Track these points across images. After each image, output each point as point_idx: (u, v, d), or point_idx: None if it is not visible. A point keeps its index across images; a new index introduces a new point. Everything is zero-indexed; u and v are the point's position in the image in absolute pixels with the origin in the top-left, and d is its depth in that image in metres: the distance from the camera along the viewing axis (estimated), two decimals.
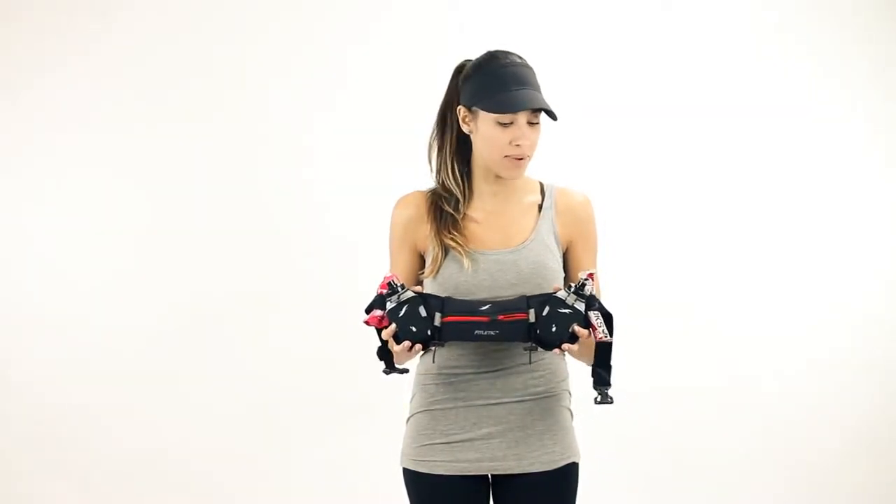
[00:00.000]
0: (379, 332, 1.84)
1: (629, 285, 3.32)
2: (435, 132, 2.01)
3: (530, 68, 1.92)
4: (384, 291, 1.81)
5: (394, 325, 1.80)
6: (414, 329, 1.79)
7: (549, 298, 1.80)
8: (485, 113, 1.89)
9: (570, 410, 1.99)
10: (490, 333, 1.79)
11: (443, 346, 1.84)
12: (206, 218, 3.53)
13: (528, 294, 1.86)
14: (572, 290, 1.78)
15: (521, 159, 1.89)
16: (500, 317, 1.78)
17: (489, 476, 1.96)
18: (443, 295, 1.88)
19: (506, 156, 1.89)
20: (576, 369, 2.00)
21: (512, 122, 1.87)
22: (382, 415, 2.90)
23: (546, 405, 1.94)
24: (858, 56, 3.58)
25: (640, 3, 3.57)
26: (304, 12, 3.55)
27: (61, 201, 3.56)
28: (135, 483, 3.49)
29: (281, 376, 3.49)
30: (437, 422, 1.94)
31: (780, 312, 3.53)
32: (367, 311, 1.83)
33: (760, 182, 3.55)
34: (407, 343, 1.80)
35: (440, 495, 1.93)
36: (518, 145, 1.87)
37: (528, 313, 1.79)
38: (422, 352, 1.84)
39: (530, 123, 1.88)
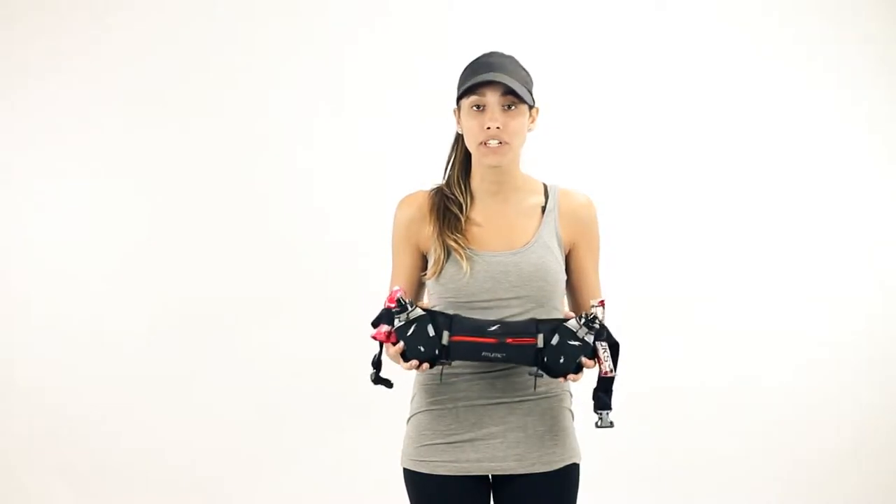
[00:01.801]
0: (381, 345, 1.84)
1: (630, 286, 3.32)
2: (452, 143, 2.02)
3: (515, 61, 1.93)
4: (392, 306, 1.80)
5: (402, 343, 1.80)
6: (422, 349, 1.79)
7: (560, 327, 1.79)
8: (463, 103, 1.90)
9: (570, 411, 1.99)
10: (497, 356, 1.79)
11: (450, 364, 1.83)
12: (206, 219, 3.53)
13: (532, 297, 1.87)
14: (583, 321, 1.78)
15: (496, 145, 1.88)
16: (509, 340, 1.78)
17: (490, 476, 1.96)
18: (445, 297, 1.89)
19: (480, 142, 1.88)
20: None
21: (484, 108, 1.87)
22: (382, 415, 2.90)
23: (547, 406, 1.94)
24: (858, 56, 3.57)
25: (640, 2, 3.57)
26: (303, 13, 3.54)
27: (62, 202, 3.55)
28: (135, 483, 3.49)
29: (281, 377, 3.49)
30: (438, 422, 1.94)
31: (780, 312, 3.53)
32: (374, 324, 1.83)
33: (760, 182, 3.55)
34: (415, 362, 1.80)
35: (441, 495, 1.93)
36: (488, 128, 1.86)
37: (536, 338, 1.79)
38: (429, 369, 1.84)
39: (506, 109, 1.87)
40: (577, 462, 1.97)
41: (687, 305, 3.50)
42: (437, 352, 1.79)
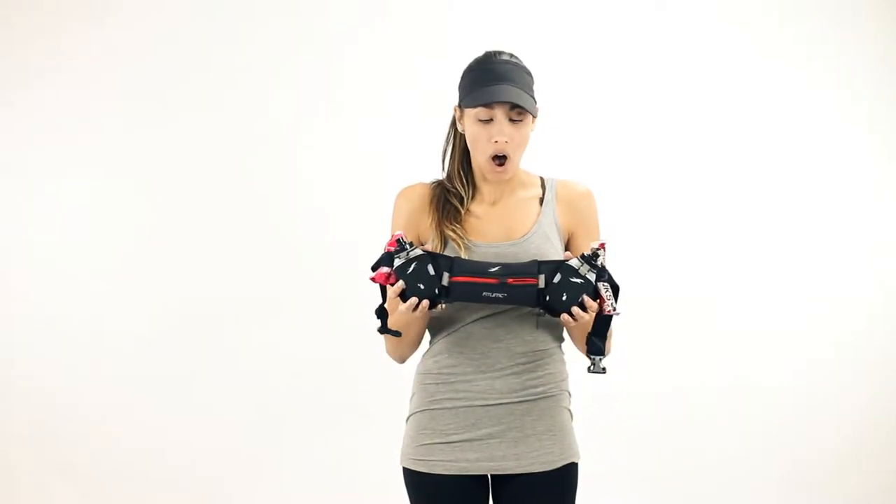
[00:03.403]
0: (384, 289, 1.83)
1: (629, 285, 3.31)
2: (448, 133, 2.02)
3: (519, 66, 1.91)
4: (392, 249, 1.79)
5: (401, 282, 1.79)
6: (421, 286, 1.78)
7: (561, 266, 1.79)
8: (468, 110, 1.90)
9: (569, 411, 1.99)
10: (498, 296, 1.78)
11: (450, 303, 1.83)
12: (206, 219, 3.53)
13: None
14: (585, 259, 1.78)
15: (503, 162, 1.88)
16: (510, 280, 1.77)
17: (489, 476, 1.96)
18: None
19: (489, 157, 1.88)
20: (576, 371, 2.00)
21: (491, 119, 1.87)
22: (382, 414, 2.90)
23: (545, 406, 1.94)
24: (858, 56, 3.57)
25: (640, 2, 3.57)
26: (303, 13, 3.54)
27: (62, 202, 3.55)
28: (134, 483, 3.49)
29: (281, 377, 3.49)
30: (437, 421, 1.94)
31: (780, 312, 3.53)
32: (374, 268, 1.82)
33: (760, 182, 3.55)
34: (413, 300, 1.79)
35: (440, 495, 1.93)
36: (496, 142, 1.87)
37: (538, 278, 1.78)
38: (429, 309, 1.82)
39: (513, 121, 1.87)
40: (576, 461, 1.97)
41: (687, 305, 3.50)
42: (436, 291, 1.79)
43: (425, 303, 1.80)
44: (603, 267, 1.79)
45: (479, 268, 1.79)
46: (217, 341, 3.51)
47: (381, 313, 1.85)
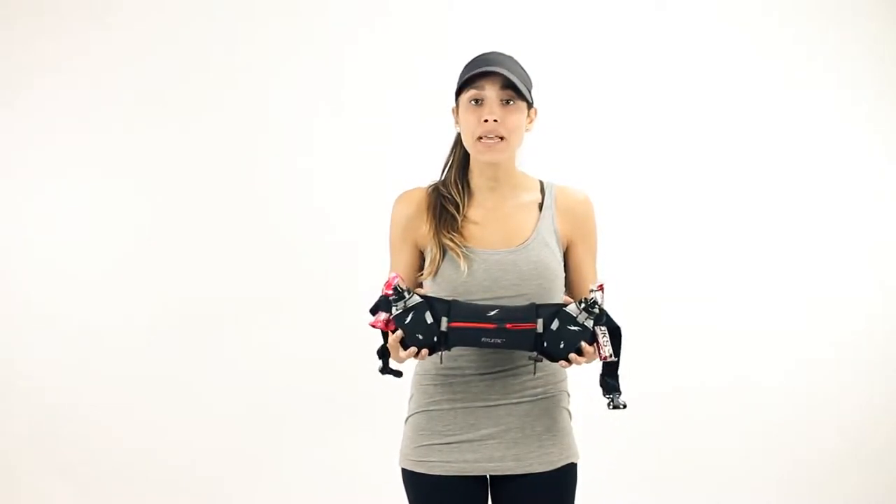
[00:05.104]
0: (384, 334, 1.84)
1: (629, 286, 3.32)
2: (450, 148, 2.02)
3: (515, 60, 1.93)
4: (389, 293, 1.79)
5: (400, 332, 1.79)
6: (420, 336, 1.79)
7: (560, 312, 1.78)
8: (461, 98, 1.90)
9: (568, 411, 2.00)
10: (497, 341, 1.77)
11: (449, 350, 1.83)
12: (206, 219, 3.53)
13: (531, 295, 1.87)
14: (583, 306, 1.77)
15: (492, 140, 1.87)
16: (508, 325, 1.77)
17: (488, 477, 1.96)
18: (443, 295, 1.87)
19: (478, 137, 1.88)
20: (575, 370, 2.00)
21: (482, 102, 1.87)
22: (382, 415, 2.90)
23: (544, 406, 1.94)
24: (858, 56, 3.57)
25: (640, 2, 3.57)
26: (303, 13, 3.54)
27: (62, 202, 3.55)
28: (134, 483, 3.49)
29: (281, 376, 3.49)
30: (435, 422, 1.94)
31: (780, 312, 3.52)
32: (373, 312, 1.83)
33: (760, 182, 3.55)
34: (413, 349, 1.80)
35: (439, 496, 1.93)
36: (486, 121, 1.86)
37: (536, 323, 1.77)
38: (428, 356, 1.84)
39: (504, 104, 1.87)
40: (575, 462, 1.97)
41: (687, 305, 3.50)
42: (435, 339, 1.79)
43: (425, 351, 1.80)
44: (601, 310, 1.78)
45: (477, 312, 1.78)
46: (217, 341, 3.51)
47: (383, 353, 1.86)
